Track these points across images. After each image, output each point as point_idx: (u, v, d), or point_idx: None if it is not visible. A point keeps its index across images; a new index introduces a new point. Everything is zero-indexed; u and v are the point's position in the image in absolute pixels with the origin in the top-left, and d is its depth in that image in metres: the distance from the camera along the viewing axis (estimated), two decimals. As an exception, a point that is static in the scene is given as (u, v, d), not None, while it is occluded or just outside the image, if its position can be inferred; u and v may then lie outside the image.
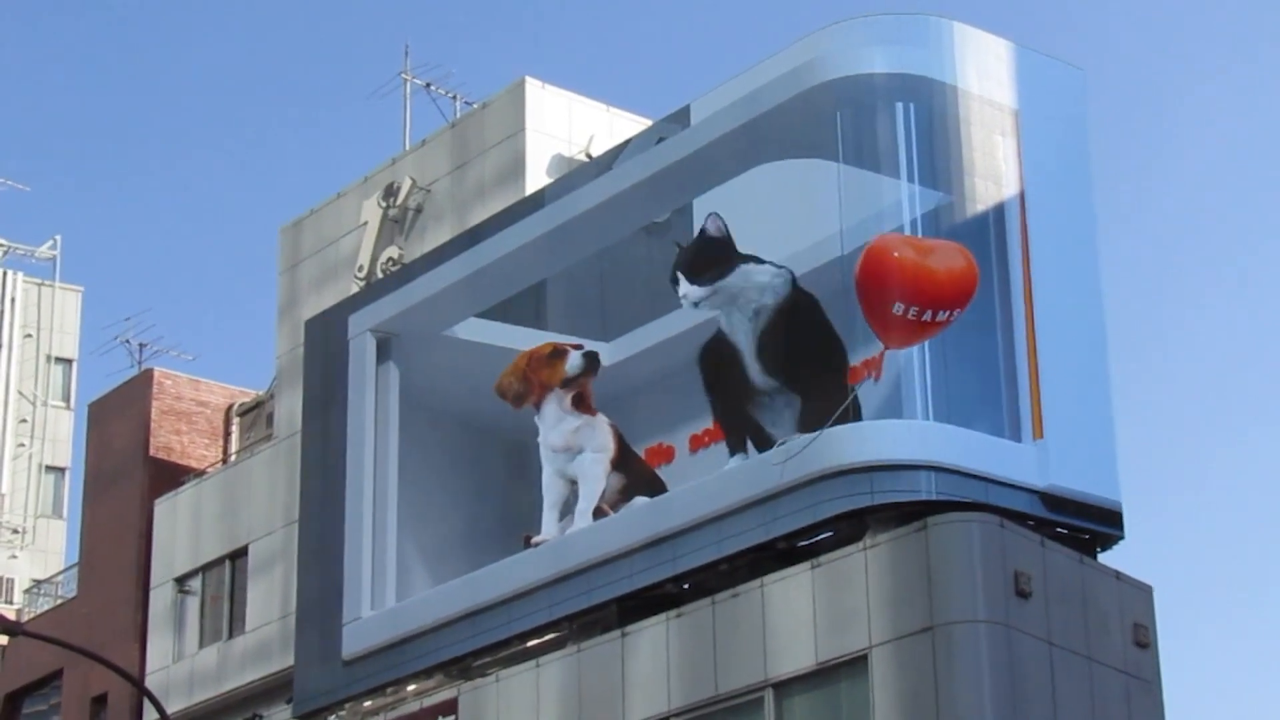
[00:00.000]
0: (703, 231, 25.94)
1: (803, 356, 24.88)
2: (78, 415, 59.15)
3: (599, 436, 26.90)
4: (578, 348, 27.33)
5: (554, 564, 26.74)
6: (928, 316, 24.10)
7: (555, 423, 27.28)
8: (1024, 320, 24.52)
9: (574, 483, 27.04)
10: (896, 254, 24.31)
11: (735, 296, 25.46)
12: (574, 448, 27.01)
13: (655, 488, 26.12)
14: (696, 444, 25.82)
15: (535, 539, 27.20)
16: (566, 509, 27.10)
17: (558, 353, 27.45)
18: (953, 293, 24.28)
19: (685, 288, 25.83)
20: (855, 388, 24.03)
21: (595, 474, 26.77)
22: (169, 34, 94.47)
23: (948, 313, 24.20)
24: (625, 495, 26.52)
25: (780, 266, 25.10)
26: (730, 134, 26.08)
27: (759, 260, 25.33)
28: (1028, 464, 23.98)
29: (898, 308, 24.06)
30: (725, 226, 25.67)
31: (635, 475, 26.47)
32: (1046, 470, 24.06)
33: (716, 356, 25.65)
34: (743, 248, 25.62)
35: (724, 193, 25.99)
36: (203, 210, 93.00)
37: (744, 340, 25.39)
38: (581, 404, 27.19)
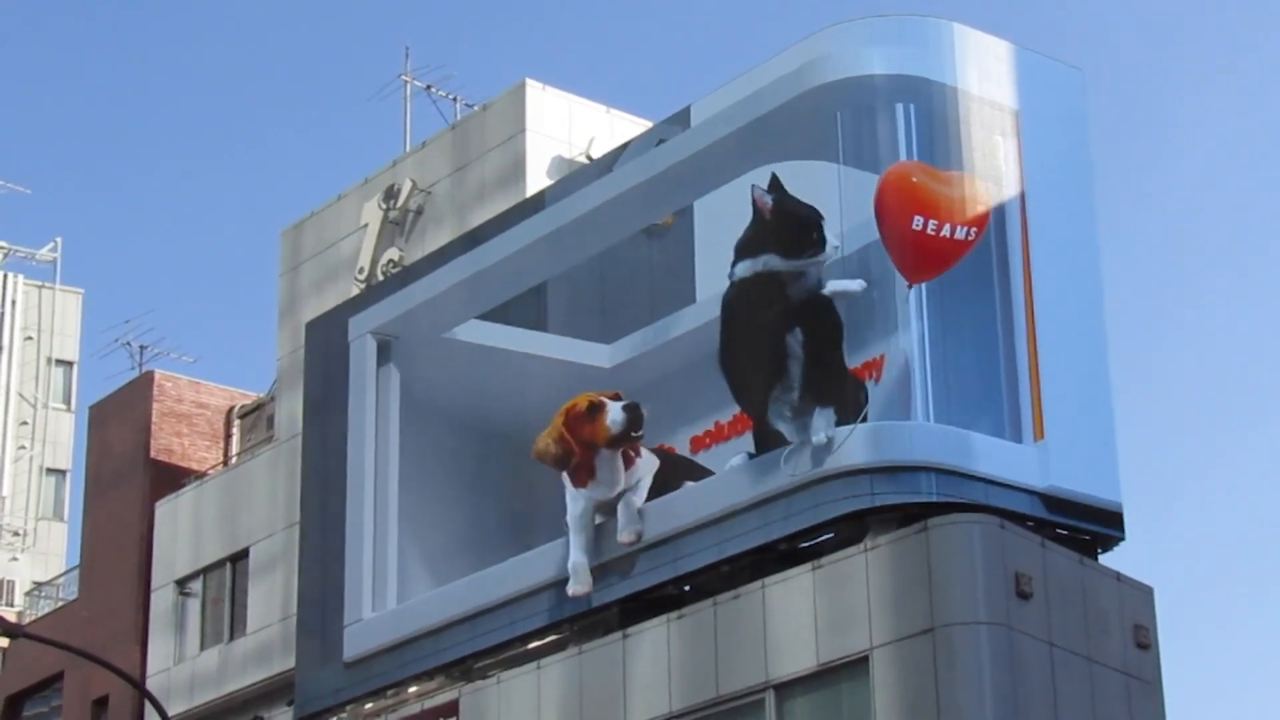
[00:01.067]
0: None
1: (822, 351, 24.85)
2: (78, 417, 59.14)
3: (646, 477, 26.23)
4: (615, 397, 26.39)
5: (555, 566, 26.74)
6: (946, 232, 24.25)
7: (609, 483, 26.27)
8: (1024, 321, 24.53)
9: (604, 513, 26.43)
10: (914, 178, 24.50)
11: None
12: (623, 489, 26.29)
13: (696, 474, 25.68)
14: (697, 445, 25.82)
15: (575, 590, 26.42)
16: (591, 547, 26.51)
17: (595, 406, 26.43)
18: (970, 213, 24.51)
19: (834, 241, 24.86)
20: (868, 384, 24.02)
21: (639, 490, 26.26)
22: (169, 36, 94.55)
23: (966, 231, 24.31)
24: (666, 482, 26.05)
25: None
26: (730, 136, 26.09)
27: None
28: (1028, 465, 23.99)
29: (916, 221, 24.19)
30: None
31: (675, 473, 26.06)
32: (1047, 471, 24.07)
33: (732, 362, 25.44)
34: (743, 249, 25.73)
35: (724, 194, 25.99)
36: (203, 212, 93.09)
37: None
38: (630, 462, 26.23)
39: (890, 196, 24.46)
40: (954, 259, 24.36)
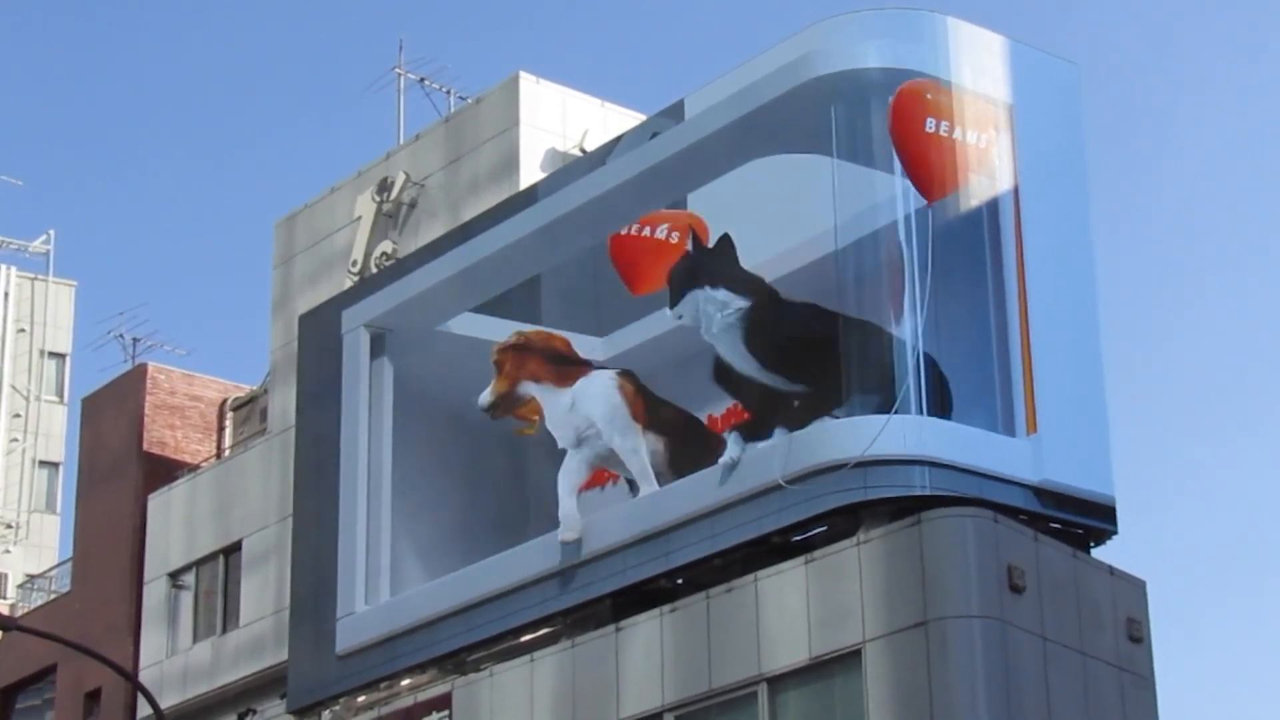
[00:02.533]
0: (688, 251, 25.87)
1: (797, 351, 24.87)
2: (71, 410, 59.22)
3: (600, 398, 26.36)
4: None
5: (548, 559, 26.73)
6: (958, 134, 24.59)
7: (555, 416, 26.86)
8: (1018, 315, 24.52)
9: (598, 465, 26.60)
10: (928, 95, 24.77)
11: (698, 316, 25.50)
12: (583, 430, 26.59)
13: (694, 439, 25.61)
14: (690, 438, 25.83)
15: (565, 536, 26.63)
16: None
17: (519, 338, 27.27)
18: (980, 121, 24.82)
19: (668, 311, 25.89)
20: (904, 381, 24.02)
21: (629, 446, 26.21)
22: (163, 29, 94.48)
23: (977, 137, 24.59)
24: (673, 461, 25.94)
25: (738, 293, 25.17)
26: (724, 129, 26.07)
27: (715, 285, 25.33)
28: (1022, 459, 23.99)
29: (929, 124, 24.51)
30: (696, 242, 25.64)
31: (670, 428, 26.04)
32: (1040, 465, 24.06)
33: (725, 374, 25.53)
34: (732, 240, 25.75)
35: (718, 188, 25.98)
36: (197, 205, 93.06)
37: (729, 349, 25.34)
38: (565, 377, 26.72)
39: (904, 108, 24.69)
40: (966, 171, 24.50)
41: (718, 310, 25.27)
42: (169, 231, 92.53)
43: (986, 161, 24.82)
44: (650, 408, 26.30)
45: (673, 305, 25.82)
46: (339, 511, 30.09)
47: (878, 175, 24.66)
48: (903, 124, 24.62)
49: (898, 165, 24.68)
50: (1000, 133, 25.21)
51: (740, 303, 25.10)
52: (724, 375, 25.52)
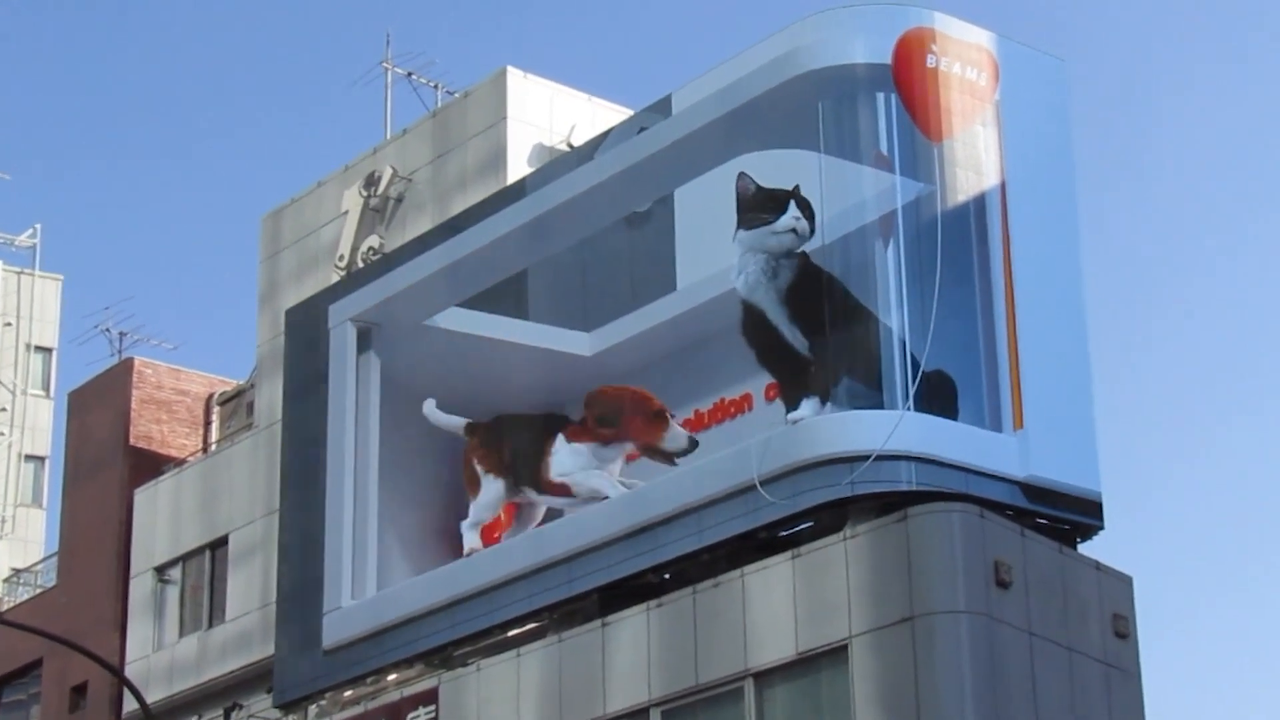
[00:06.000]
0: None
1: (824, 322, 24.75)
2: (58, 404, 59.13)
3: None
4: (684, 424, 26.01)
5: (535, 553, 26.73)
6: (957, 69, 24.78)
7: (591, 463, 26.65)
8: (1005, 310, 24.54)
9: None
10: (932, 43, 25.02)
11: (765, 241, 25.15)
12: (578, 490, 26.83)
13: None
14: (678, 434, 25.83)
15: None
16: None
17: (661, 415, 26.03)
18: (981, 61, 25.05)
19: (795, 213, 25.02)
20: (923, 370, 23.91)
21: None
22: (150, 23, 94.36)
23: (977, 73, 24.81)
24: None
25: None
26: (711, 124, 26.07)
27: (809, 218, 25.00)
28: (1008, 454, 24.01)
29: (930, 59, 24.64)
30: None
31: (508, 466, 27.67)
32: (1027, 461, 24.09)
33: (756, 329, 25.24)
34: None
35: (705, 183, 25.98)
36: (183, 199, 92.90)
37: (767, 301, 25.13)
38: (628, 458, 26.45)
39: (905, 50, 24.84)
40: (974, 110, 24.70)
41: (792, 238, 24.79)
42: (156, 226, 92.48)
43: (990, 103, 24.92)
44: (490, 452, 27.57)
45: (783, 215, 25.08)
46: (325, 506, 30.07)
47: (865, 170, 24.67)
48: (904, 63, 24.75)
49: (879, 157, 24.67)
50: (987, 128, 25.20)
51: (806, 234, 24.71)
52: (752, 330, 25.26)
